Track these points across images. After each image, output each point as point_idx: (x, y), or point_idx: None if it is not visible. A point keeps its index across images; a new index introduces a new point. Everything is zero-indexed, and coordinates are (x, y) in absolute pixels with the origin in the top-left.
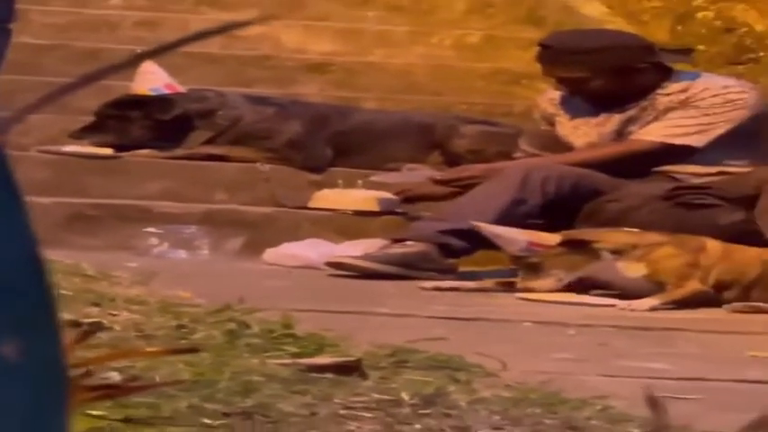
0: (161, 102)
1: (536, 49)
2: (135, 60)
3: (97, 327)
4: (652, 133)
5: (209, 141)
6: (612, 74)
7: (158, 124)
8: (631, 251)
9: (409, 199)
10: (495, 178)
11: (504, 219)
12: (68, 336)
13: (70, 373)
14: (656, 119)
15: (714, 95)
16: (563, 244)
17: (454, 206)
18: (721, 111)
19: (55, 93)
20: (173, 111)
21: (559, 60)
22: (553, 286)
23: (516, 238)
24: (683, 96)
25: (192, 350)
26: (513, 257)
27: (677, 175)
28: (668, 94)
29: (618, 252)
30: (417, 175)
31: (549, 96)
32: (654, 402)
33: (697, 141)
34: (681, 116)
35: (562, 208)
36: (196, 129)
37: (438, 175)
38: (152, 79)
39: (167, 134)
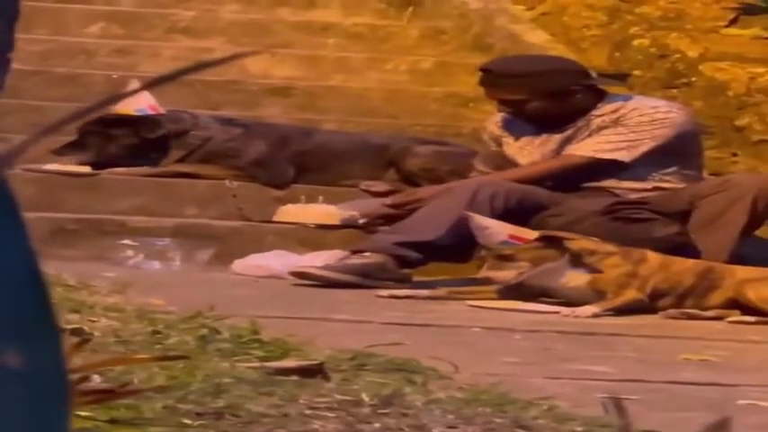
0: (148, 122)
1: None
2: (139, 89)
3: (79, 333)
4: (583, 149)
5: (181, 159)
6: (549, 96)
7: (143, 143)
8: (588, 256)
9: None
10: (446, 195)
11: (453, 231)
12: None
13: (70, 381)
14: (589, 136)
15: (641, 115)
16: (539, 239)
17: (409, 221)
18: (648, 128)
19: (65, 119)
20: (159, 130)
21: (499, 84)
22: (512, 278)
23: (500, 230)
24: (614, 116)
25: (175, 357)
26: (487, 247)
27: (616, 191)
28: (601, 115)
29: (579, 255)
30: (372, 202)
31: (495, 119)
32: (619, 406)
33: (624, 156)
34: (610, 133)
35: (510, 221)
36: (172, 148)
37: (389, 200)
38: (138, 100)
39: (149, 152)
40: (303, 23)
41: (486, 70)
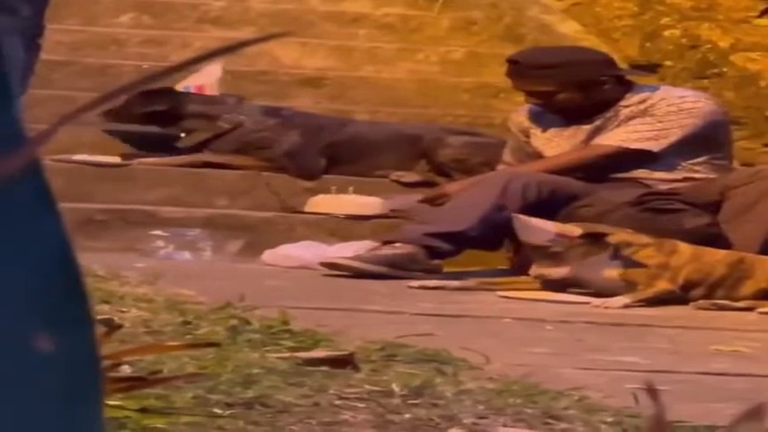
0: (176, 96)
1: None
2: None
3: (109, 323)
4: (611, 138)
5: (207, 143)
6: (577, 87)
7: (154, 114)
8: (625, 248)
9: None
10: (477, 186)
11: (486, 223)
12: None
13: (101, 366)
14: (617, 127)
15: (669, 105)
16: (582, 236)
17: (440, 212)
18: (676, 118)
19: (83, 107)
20: (164, 104)
21: (527, 75)
22: (565, 274)
23: (546, 228)
24: (642, 106)
25: (205, 344)
26: (533, 246)
27: (647, 182)
28: (629, 105)
29: (618, 248)
30: (408, 199)
31: (522, 110)
32: (653, 395)
33: (653, 146)
34: (638, 123)
35: (542, 213)
36: (196, 130)
37: (421, 196)
38: (195, 78)
39: (161, 124)
40: (334, 14)
41: (513, 62)
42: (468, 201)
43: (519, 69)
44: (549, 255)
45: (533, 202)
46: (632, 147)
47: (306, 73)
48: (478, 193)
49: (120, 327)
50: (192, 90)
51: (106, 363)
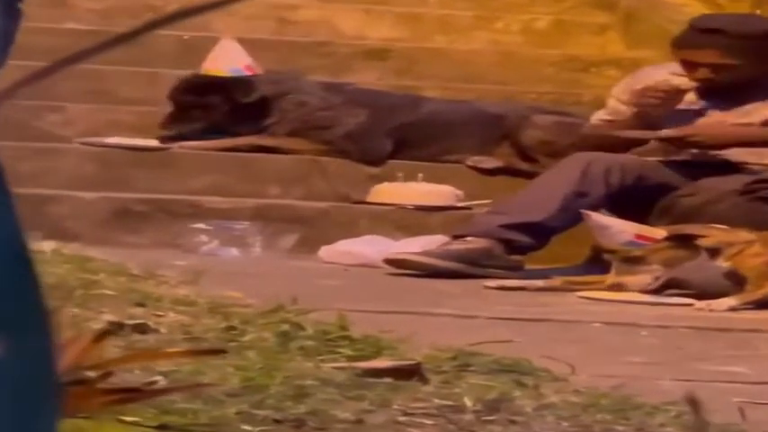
0: (242, 84)
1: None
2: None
3: (143, 329)
4: None
5: (266, 129)
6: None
7: (238, 108)
8: (726, 249)
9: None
10: (554, 170)
11: (567, 211)
12: (86, 336)
13: (82, 375)
14: None
15: None
16: (668, 239)
17: (514, 200)
18: None
19: (46, 69)
20: (254, 93)
21: (729, 47)
22: (646, 284)
23: (624, 229)
24: None
25: (216, 351)
26: (610, 250)
27: (754, 167)
28: None
29: (715, 249)
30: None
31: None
32: (694, 403)
33: None
34: None
35: (629, 201)
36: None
37: (663, 133)
38: (232, 59)
39: (245, 119)
40: None
41: (712, 30)
42: (545, 188)
43: (715, 38)
44: (627, 260)
45: (617, 188)
46: None
47: (369, 44)
48: (555, 177)
49: (111, 331)
50: (244, 72)
51: (95, 372)
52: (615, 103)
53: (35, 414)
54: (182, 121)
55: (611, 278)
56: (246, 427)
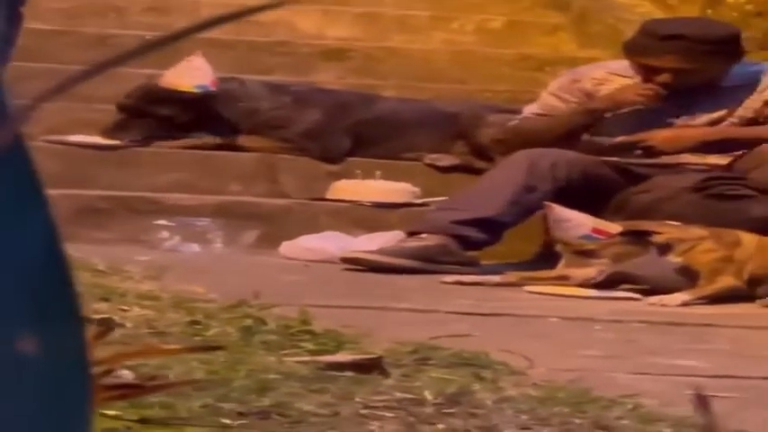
0: (206, 99)
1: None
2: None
3: (106, 323)
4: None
5: (223, 132)
6: (725, 65)
7: (196, 119)
8: (678, 245)
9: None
10: (502, 166)
11: (516, 206)
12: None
13: (92, 371)
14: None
15: None
16: (622, 234)
17: (464, 195)
18: None
19: (70, 80)
20: (215, 107)
21: (690, 51)
22: (590, 277)
23: (583, 222)
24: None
25: (211, 348)
26: (564, 242)
27: (697, 167)
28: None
29: (667, 245)
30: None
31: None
32: (703, 402)
33: None
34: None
35: (577, 195)
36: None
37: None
38: (199, 76)
39: (201, 128)
40: None
41: (673, 36)
42: (493, 183)
43: (678, 45)
44: (579, 252)
45: (564, 182)
46: None
47: (328, 44)
48: (503, 173)
49: (112, 328)
50: (211, 89)
51: (99, 367)
52: (548, 98)
53: (71, 412)
54: (131, 129)
55: (557, 269)
56: (224, 420)
